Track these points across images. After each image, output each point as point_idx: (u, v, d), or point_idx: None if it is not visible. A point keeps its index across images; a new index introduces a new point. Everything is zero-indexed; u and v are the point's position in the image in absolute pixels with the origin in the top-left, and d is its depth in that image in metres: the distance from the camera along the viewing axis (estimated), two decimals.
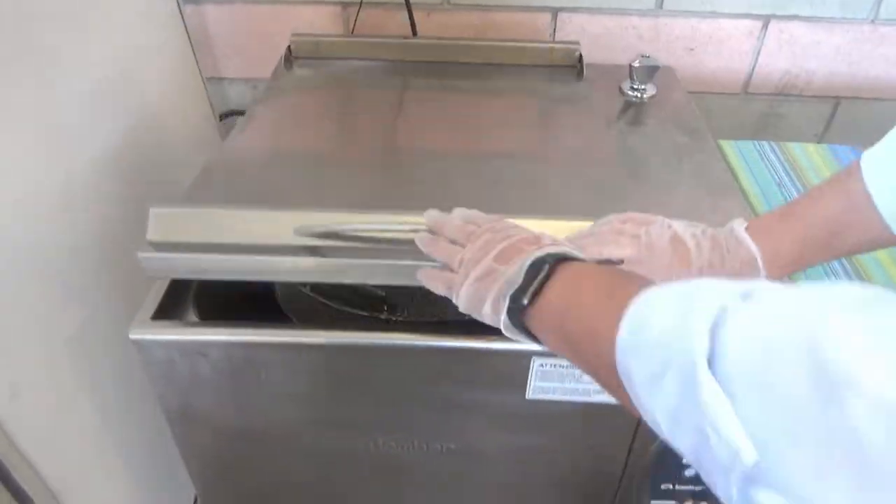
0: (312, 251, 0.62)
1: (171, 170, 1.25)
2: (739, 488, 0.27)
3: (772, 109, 1.42)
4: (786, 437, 0.25)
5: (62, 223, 0.92)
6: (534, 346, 0.64)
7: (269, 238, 0.62)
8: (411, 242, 0.56)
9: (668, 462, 0.77)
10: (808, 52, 1.34)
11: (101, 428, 1.03)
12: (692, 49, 1.34)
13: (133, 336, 0.66)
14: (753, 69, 1.38)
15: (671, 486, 0.81)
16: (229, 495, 0.85)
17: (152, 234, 0.63)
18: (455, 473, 0.79)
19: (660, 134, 0.91)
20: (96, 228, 1.01)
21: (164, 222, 0.63)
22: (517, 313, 0.46)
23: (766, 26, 1.30)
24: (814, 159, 1.12)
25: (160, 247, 0.63)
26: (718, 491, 0.29)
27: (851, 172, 0.54)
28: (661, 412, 0.31)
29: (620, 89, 1.01)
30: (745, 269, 0.55)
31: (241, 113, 1.55)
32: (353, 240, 0.62)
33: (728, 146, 1.15)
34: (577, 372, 0.67)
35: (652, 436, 0.71)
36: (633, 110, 0.96)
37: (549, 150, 0.89)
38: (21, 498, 0.89)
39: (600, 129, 0.91)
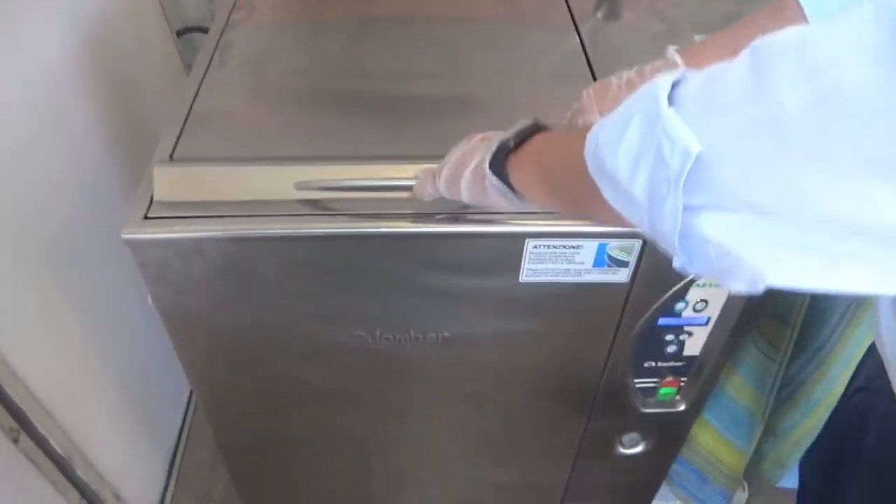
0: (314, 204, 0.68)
1: (133, 87, 1.20)
2: (683, 216, 0.31)
3: (738, 10, 1.42)
4: (726, 133, 0.29)
5: (27, 131, 0.89)
6: (527, 227, 0.67)
7: (271, 194, 0.68)
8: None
9: (653, 339, 0.81)
10: None
11: (87, 337, 1.04)
12: None
13: (125, 236, 0.65)
14: None
15: (654, 364, 0.85)
16: (224, 390, 0.86)
17: (160, 194, 0.68)
18: (451, 362, 0.82)
19: (636, 24, 0.91)
20: (63, 136, 0.98)
21: (168, 181, 0.68)
22: (501, 161, 0.52)
23: None
24: None
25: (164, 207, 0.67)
26: (665, 227, 0.33)
27: (788, 4, 0.56)
28: (623, 164, 0.35)
29: None
30: None
31: (201, 30, 1.49)
32: (355, 191, 0.67)
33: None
34: (570, 252, 0.69)
35: (638, 312, 0.75)
36: (608, 3, 0.95)
37: (523, 45, 0.88)
38: (14, 413, 0.89)
39: (579, 19, 0.91)
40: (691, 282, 0.73)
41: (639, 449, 0.98)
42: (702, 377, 0.87)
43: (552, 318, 0.77)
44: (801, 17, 0.55)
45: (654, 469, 1.06)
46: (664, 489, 1.11)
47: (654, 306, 0.75)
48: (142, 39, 1.25)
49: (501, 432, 0.96)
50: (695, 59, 0.60)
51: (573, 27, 0.90)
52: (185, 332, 0.78)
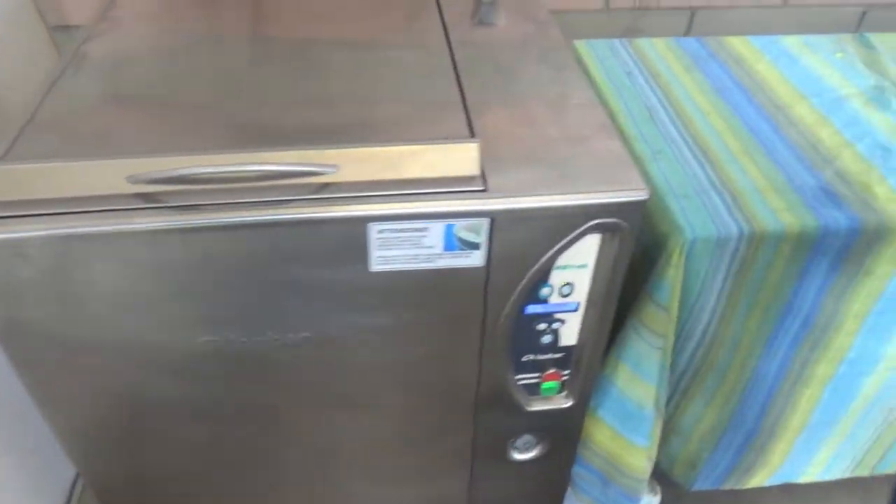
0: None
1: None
2: None
3: (634, 23, 1.46)
4: None
5: None
6: (368, 211, 0.64)
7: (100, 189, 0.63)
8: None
9: (524, 330, 0.79)
10: None
11: None
12: None
13: None
14: None
15: (532, 357, 0.83)
16: (80, 414, 0.80)
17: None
18: (317, 365, 0.78)
19: (508, 26, 0.93)
20: None
21: None
22: None
23: None
24: (659, 49, 1.16)
25: None
26: None
27: None
28: None
29: None
30: None
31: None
32: (188, 182, 0.63)
33: (580, 45, 1.17)
34: (417, 235, 0.66)
35: (501, 298, 0.73)
36: (483, 8, 0.96)
37: (390, 47, 0.88)
38: None
39: (453, 24, 0.91)
40: (551, 263, 0.72)
41: (534, 453, 0.95)
42: (583, 368, 0.85)
43: (414, 311, 0.74)
44: None
45: (556, 474, 1.02)
46: (570, 495, 1.07)
47: (517, 291, 0.73)
48: (9, 37, 1.17)
49: (389, 442, 0.92)
50: None
51: (445, 42, 0.89)
52: (24, 350, 0.72)
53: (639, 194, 0.67)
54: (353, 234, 0.66)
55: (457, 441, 0.92)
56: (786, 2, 1.47)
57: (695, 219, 0.82)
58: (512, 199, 0.66)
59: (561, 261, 0.72)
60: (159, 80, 0.80)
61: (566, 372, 0.86)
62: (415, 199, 0.65)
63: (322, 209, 0.64)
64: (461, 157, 0.66)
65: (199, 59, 0.84)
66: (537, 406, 0.88)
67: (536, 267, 0.71)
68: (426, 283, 0.71)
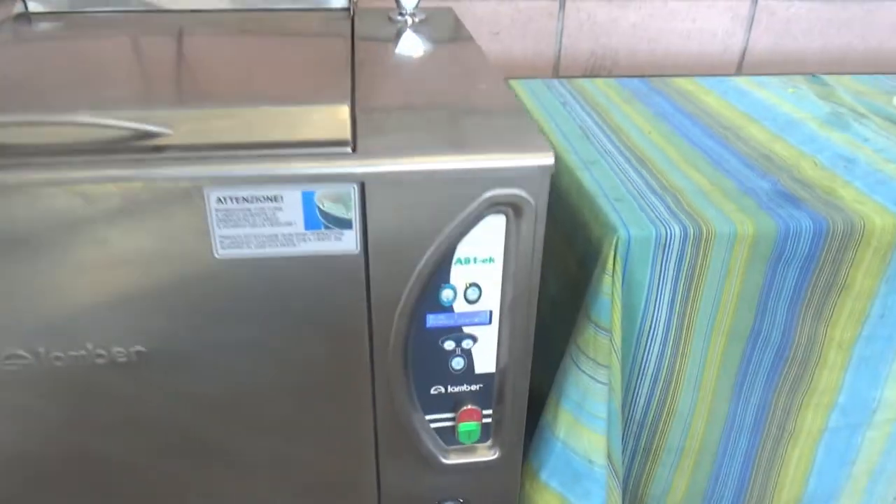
0: None
1: None
2: None
3: None
4: None
5: None
6: (203, 170, 0.52)
7: None
8: None
9: (428, 350, 0.64)
10: (608, 30, 1.35)
11: None
12: (497, 33, 1.32)
13: None
14: (560, 51, 1.38)
15: (442, 389, 0.67)
16: None
17: None
18: (160, 394, 0.62)
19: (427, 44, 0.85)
20: None
21: None
22: None
23: (562, 6, 1.31)
24: (599, 86, 1.09)
25: None
26: None
27: None
28: None
29: (389, 17, 0.95)
30: None
31: None
32: None
33: (515, 83, 1.11)
34: (269, 206, 0.54)
35: (389, 301, 0.58)
36: (399, 31, 0.89)
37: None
38: None
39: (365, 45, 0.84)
40: (448, 254, 0.59)
41: None
42: (508, 406, 0.68)
43: (280, 318, 0.59)
44: None
45: None
46: None
47: (408, 288, 0.59)
48: None
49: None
50: None
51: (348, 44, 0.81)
52: None
53: (543, 158, 0.55)
54: (191, 206, 0.53)
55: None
56: (740, 69, 1.44)
57: (631, 219, 0.69)
58: (385, 161, 0.54)
59: (461, 251, 0.59)
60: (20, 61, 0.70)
61: (487, 412, 0.69)
62: (261, 160, 0.53)
63: (144, 170, 0.51)
64: (327, 120, 0.55)
65: (76, 47, 0.75)
66: (456, 458, 0.71)
67: (428, 255, 0.58)
68: (290, 276, 0.57)
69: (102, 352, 0.58)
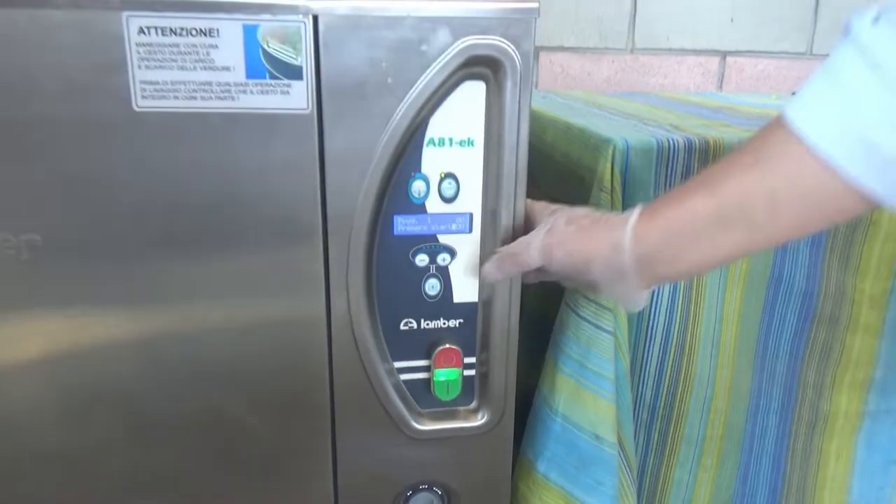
0: None
1: None
2: None
3: None
4: None
5: None
6: None
7: None
8: None
9: (396, 266, 0.52)
10: (582, 83, 1.35)
11: None
12: None
13: None
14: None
15: (413, 323, 0.55)
16: None
17: None
18: (58, 288, 0.49)
19: None
20: None
21: None
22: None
23: (536, 58, 1.32)
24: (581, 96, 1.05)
25: None
26: None
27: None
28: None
29: None
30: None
31: None
32: None
33: None
34: (201, 43, 0.45)
35: (345, 188, 0.48)
36: None
37: None
38: None
39: None
40: (419, 125, 0.49)
41: None
42: (495, 353, 0.56)
43: (207, 205, 0.48)
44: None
45: None
46: None
47: (370, 175, 0.49)
48: None
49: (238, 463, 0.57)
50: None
51: None
52: None
53: (525, 1, 0.48)
54: (106, 42, 0.44)
55: (315, 486, 0.58)
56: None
57: (628, 134, 0.61)
58: None
59: (434, 129, 0.50)
60: None
61: (470, 360, 0.57)
62: None
63: None
64: None
65: None
66: (431, 423, 0.57)
67: (395, 123, 0.48)
68: (224, 143, 0.47)
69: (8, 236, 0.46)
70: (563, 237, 0.48)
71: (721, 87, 1.42)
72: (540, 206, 0.54)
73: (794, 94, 1.27)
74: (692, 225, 0.43)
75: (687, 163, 0.60)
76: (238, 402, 0.53)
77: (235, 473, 0.56)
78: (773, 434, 0.70)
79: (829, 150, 0.39)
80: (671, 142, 0.59)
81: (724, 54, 1.38)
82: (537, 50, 1.30)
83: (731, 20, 1.36)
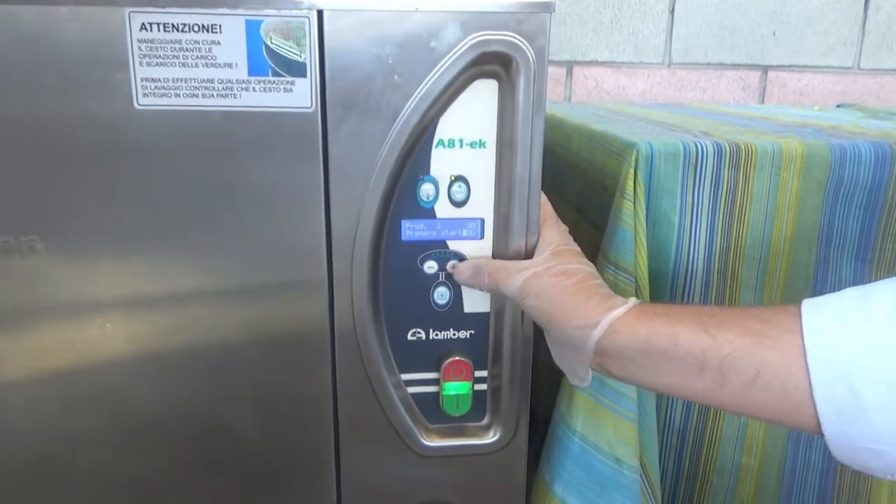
0: None
1: None
2: None
3: None
4: None
5: None
6: None
7: None
8: None
9: (404, 274, 0.50)
10: (616, 98, 1.33)
11: None
12: None
13: None
14: None
15: (422, 333, 0.52)
16: None
17: None
18: (59, 289, 0.48)
19: None
20: None
21: None
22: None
23: (570, 73, 1.30)
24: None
25: None
26: None
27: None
28: None
29: None
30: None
31: None
32: None
33: None
34: (203, 39, 0.44)
35: (350, 191, 0.46)
36: None
37: None
38: None
39: None
40: (428, 127, 0.47)
41: None
42: (508, 367, 0.53)
43: (209, 201, 0.47)
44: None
45: None
46: None
47: (376, 176, 0.47)
48: None
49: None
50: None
51: None
52: None
53: None
54: (108, 39, 0.43)
55: None
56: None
57: (653, 139, 0.58)
58: None
59: (444, 129, 0.48)
60: None
61: (482, 374, 0.54)
62: None
63: None
64: None
65: None
66: (440, 439, 0.54)
67: (402, 122, 0.46)
68: (227, 142, 0.45)
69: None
70: (546, 286, 0.46)
71: (763, 101, 1.37)
72: (549, 228, 0.51)
73: (838, 106, 1.22)
74: (673, 350, 0.41)
75: (716, 170, 0.56)
76: (237, 413, 0.52)
77: (234, 487, 0.54)
78: (818, 469, 0.64)
79: (816, 378, 0.37)
80: (699, 146, 0.56)
81: (765, 68, 1.34)
82: (570, 65, 1.28)
83: (774, 34, 1.32)
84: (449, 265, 0.51)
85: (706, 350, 0.41)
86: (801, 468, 0.65)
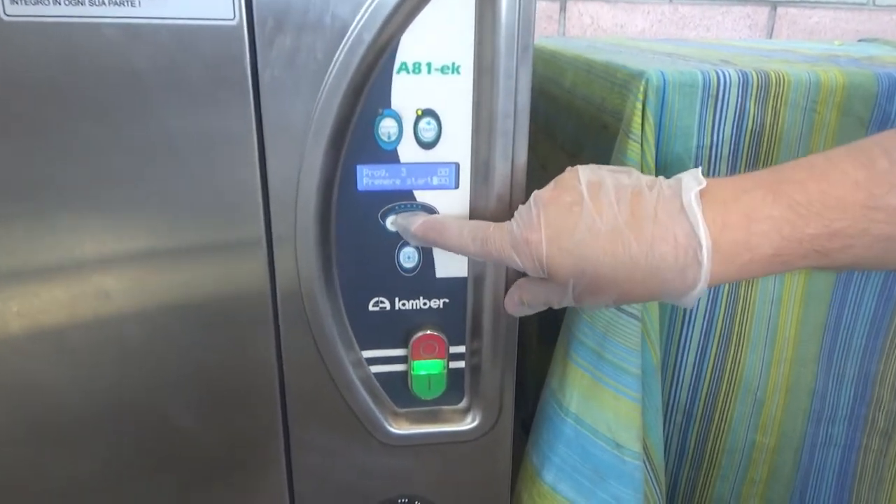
0: None
1: None
2: None
3: None
4: None
5: None
6: None
7: None
8: None
9: (361, 231, 0.41)
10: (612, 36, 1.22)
11: None
12: None
13: None
14: None
15: (386, 304, 0.43)
16: None
17: None
18: None
19: None
20: None
21: None
22: None
23: (563, 8, 1.19)
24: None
25: None
26: None
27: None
28: None
29: None
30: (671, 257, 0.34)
31: None
32: None
33: None
34: None
35: (294, 141, 0.37)
36: None
37: None
38: None
39: None
40: (391, 52, 0.37)
41: None
42: (489, 339, 0.44)
43: (111, 159, 0.37)
44: None
45: None
46: None
47: (319, 113, 0.37)
48: None
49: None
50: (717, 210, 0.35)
51: None
52: None
53: None
54: None
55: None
56: None
57: (665, 68, 0.48)
58: None
59: (407, 48, 0.38)
60: None
61: (458, 350, 0.45)
62: None
63: None
64: None
65: None
66: (409, 426, 0.45)
67: (352, 40, 0.36)
68: (126, 64, 0.35)
69: None
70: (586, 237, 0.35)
71: (771, 40, 1.27)
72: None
73: (860, 41, 1.12)
74: (852, 198, 0.32)
75: (741, 104, 0.47)
76: (169, 401, 0.43)
77: (176, 482, 0.45)
78: (840, 446, 0.57)
79: None
80: (722, 75, 0.46)
81: (774, 4, 1.23)
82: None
83: None
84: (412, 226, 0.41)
85: (877, 175, 0.32)
86: (821, 446, 0.58)
